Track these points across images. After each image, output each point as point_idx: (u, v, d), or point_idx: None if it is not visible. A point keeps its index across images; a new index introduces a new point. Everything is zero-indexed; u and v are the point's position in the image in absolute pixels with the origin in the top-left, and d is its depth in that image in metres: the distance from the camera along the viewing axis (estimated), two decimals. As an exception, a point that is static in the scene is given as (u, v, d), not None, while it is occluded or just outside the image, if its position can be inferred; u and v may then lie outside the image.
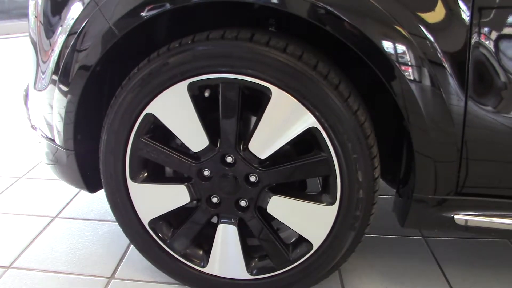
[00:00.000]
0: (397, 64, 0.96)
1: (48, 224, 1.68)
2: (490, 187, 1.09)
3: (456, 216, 1.11)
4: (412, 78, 0.97)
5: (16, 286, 1.35)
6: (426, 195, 1.09)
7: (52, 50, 1.20)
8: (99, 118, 1.22)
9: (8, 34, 6.72)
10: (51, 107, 1.24)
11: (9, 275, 1.39)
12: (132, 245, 1.45)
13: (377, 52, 0.96)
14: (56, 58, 1.18)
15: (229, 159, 1.14)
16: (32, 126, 1.44)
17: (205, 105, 1.11)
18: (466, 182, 1.07)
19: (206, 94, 1.11)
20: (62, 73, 1.17)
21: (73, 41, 1.13)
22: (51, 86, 1.22)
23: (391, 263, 1.47)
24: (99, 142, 1.21)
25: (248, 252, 1.25)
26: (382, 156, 1.15)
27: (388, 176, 1.37)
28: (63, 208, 1.78)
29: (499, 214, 1.11)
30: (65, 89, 1.18)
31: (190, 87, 1.08)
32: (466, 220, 1.11)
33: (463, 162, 1.04)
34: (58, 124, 1.24)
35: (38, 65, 1.28)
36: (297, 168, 1.11)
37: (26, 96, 1.49)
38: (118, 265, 1.44)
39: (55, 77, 1.19)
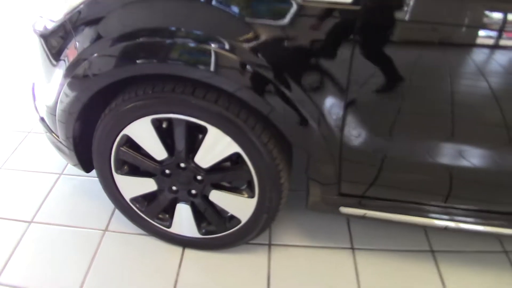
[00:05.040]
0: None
1: (56, 181, 2.32)
2: (362, 194, 1.68)
3: (340, 208, 1.73)
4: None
5: (40, 238, 2.01)
6: (317, 198, 1.71)
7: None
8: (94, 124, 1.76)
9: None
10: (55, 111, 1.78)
11: (33, 229, 2.06)
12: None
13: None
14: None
15: (182, 165, 1.73)
16: (40, 118, 1.99)
17: (165, 130, 1.68)
18: (344, 191, 1.67)
19: (164, 125, 1.66)
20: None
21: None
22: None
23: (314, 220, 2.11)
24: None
25: (200, 220, 1.89)
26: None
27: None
28: (67, 165, 2.41)
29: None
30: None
31: (152, 120, 1.63)
32: (346, 212, 1.73)
33: (342, 183, 1.64)
34: (61, 126, 1.79)
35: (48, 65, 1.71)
36: (229, 174, 1.71)
37: (33, 90, 2.02)
38: (110, 219, 2.10)
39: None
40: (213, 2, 1.40)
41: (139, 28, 1.50)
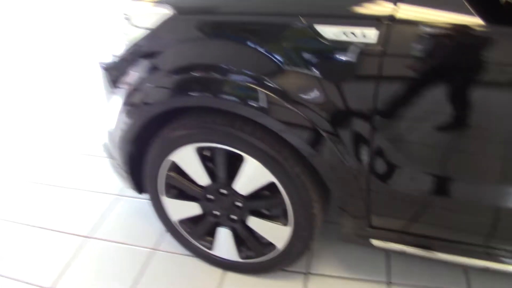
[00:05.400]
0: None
1: (115, 201, 2.53)
2: (393, 228, 1.74)
3: (371, 241, 1.79)
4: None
5: (94, 252, 2.21)
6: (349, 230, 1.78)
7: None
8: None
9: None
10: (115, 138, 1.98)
11: (89, 244, 2.26)
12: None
13: None
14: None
15: (223, 191, 1.86)
16: (103, 144, 2.20)
17: (207, 157, 1.82)
18: (374, 224, 1.73)
19: (206, 153, 1.81)
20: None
21: None
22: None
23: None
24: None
25: (240, 244, 2.00)
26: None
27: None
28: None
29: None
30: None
31: (197, 148, 1.79)
32: (377, 244, 1.78)
33: (371, 216, 1.71)
34: (119, 151, 1.99)
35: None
36: (265, 202, 1.82)
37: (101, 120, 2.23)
38: (160, 240, 2.26)
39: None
40: (261, 49, 1.53)
41: (194, 63, 1.66)
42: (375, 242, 1.79)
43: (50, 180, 2.80)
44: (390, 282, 2.03)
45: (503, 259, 1.66)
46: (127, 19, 1.82)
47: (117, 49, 1.86)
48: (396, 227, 1.73)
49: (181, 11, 1.67)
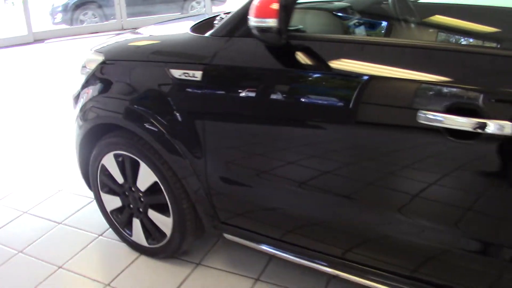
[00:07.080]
0: None
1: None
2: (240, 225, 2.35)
3: (224, 234, 2.42)
4: None
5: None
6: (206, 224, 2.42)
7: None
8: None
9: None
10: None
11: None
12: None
13: None
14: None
15: (133, 189, 2.60)
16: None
17: (121, 161, 2.59)
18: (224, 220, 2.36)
19: (120, 159, 2.58)
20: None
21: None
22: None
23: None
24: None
25: (147, 233, 2.69)
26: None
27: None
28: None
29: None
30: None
31: (114, 154, 2.56)
32: (229, 238, 2.39)
33: (218, 212, 2.35)
34: (78, 160, 2.82)
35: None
36: (154, 197, 2.53)
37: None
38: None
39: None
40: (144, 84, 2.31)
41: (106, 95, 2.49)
42: (228, 236, 2.39)
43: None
44: (258, 279, 2.54)
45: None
46: (84, 64, 2.70)
47: (79, 85, 2.74)
48: (244, 226, 2.33)
49: (107, 58, 2.51)
